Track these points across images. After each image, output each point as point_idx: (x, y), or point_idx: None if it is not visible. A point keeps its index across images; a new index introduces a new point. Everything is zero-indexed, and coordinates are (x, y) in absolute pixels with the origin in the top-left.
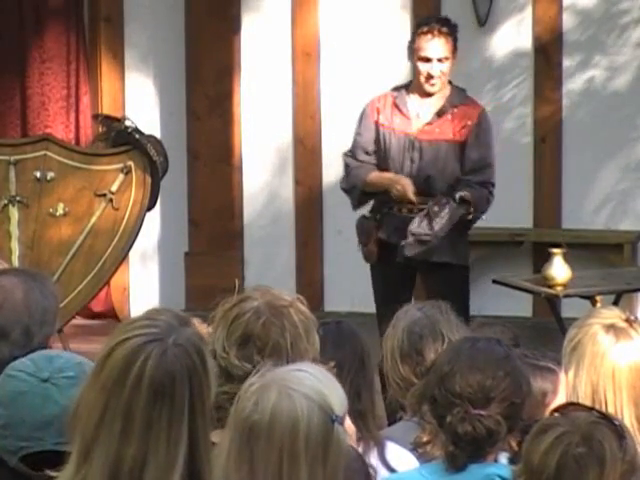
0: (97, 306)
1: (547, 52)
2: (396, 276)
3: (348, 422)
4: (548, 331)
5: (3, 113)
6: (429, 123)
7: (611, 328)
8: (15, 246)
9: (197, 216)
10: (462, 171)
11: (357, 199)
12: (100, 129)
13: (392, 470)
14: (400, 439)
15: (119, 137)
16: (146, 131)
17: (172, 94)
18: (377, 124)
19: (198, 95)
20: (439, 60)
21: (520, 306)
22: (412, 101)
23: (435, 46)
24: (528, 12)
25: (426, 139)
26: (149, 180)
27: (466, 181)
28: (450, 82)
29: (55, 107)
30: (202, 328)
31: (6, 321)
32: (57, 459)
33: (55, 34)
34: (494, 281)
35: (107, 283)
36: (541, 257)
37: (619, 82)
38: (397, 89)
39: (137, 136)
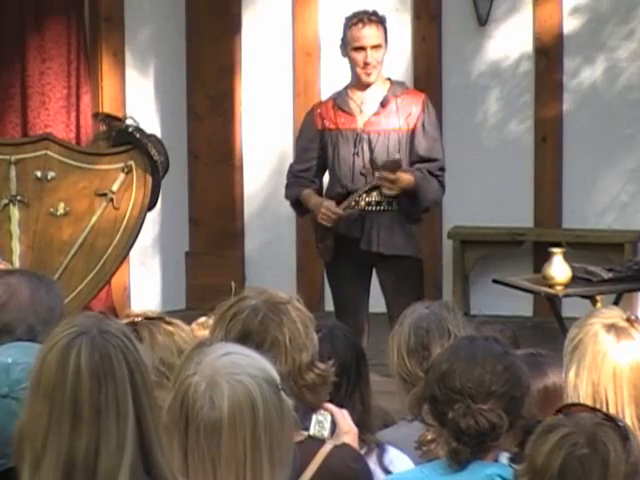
0: (97, 305)
1: (548, 52)
2: (356, 272)
3: (350, 423)
4: (548, 331)
5: (3, 112)
6: (375, 114)
7: (612, 328)
8: (16, 245)
9: (198, 216)
10: (411, 160)
11: (299, 211)
12: (100, 128)
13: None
14: (398, 440)
15: (120, 136)
16: (146, 131)
17: (172, 94)
18: (323, 131)
19: (198, 95)
20: (372, 47)
21: (521, 306)
22: (353, 98)
23: (367, 34)
24: (529, 12)
25: (374, 130)
26: (150, 179)
27: (417, 169)
28: (389, 79)
29: (55, 106)
30: (183, 330)
31: (11, 317)
32: None
33: (55, 33)
34: (494, 281)
35: (108, 282)
36: (541, 257)
37: (620, 82)
38: (336, 93)
39: (138, 135)
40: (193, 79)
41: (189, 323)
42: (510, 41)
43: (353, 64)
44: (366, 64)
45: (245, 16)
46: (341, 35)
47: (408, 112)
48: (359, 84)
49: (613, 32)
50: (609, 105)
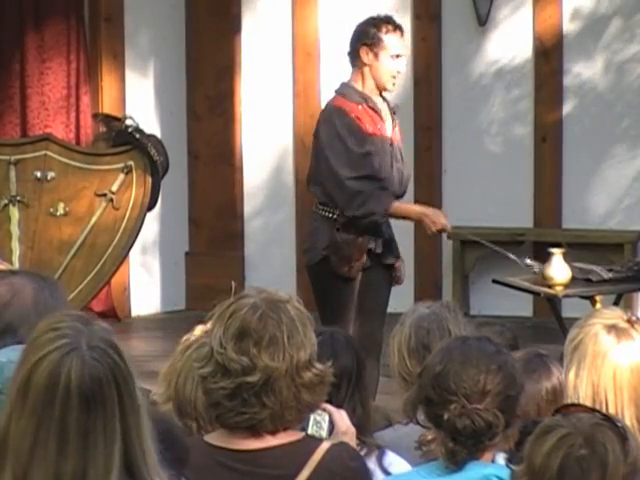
0: (98, 306)
1: (547, 51)
2: (355, 282)
3: (348, 423)
4: (548, 331)
5: (3, 113)
6: (394, 124)
7: (613, 328)
8: (16, 246)
9: (197, 216)
10: None
11: (377, 221)
12: (100, 128)
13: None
14: (397, 441)
15: (120, 136)
16: (146, 131)
17: (172, 94)
18: (368, 135)
19: (198, 95)
20: (403, 57)
21: (520, 306)
22: (377, 103)
23: (404, 44)
24: (528, 12)
25: (396, 139)
26: (149, 180)
27: None
28: None
29: (55, 107)
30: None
31: (14, 317)
32: None
33: (55, 34)
34: (494, 281)
35: (108, 282)
36: (541, 257)
37: (620, 82)
38: (352, 95)
39: (138, 135)
40: (193, 79)
41: (189, 323)
42: (510, 41)
43: (384, 70)
44: (399, 73)
45: (245, 16)
46: (366, 38)
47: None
48: (380, 91)
49: (613, 32)
50: (609, 105)
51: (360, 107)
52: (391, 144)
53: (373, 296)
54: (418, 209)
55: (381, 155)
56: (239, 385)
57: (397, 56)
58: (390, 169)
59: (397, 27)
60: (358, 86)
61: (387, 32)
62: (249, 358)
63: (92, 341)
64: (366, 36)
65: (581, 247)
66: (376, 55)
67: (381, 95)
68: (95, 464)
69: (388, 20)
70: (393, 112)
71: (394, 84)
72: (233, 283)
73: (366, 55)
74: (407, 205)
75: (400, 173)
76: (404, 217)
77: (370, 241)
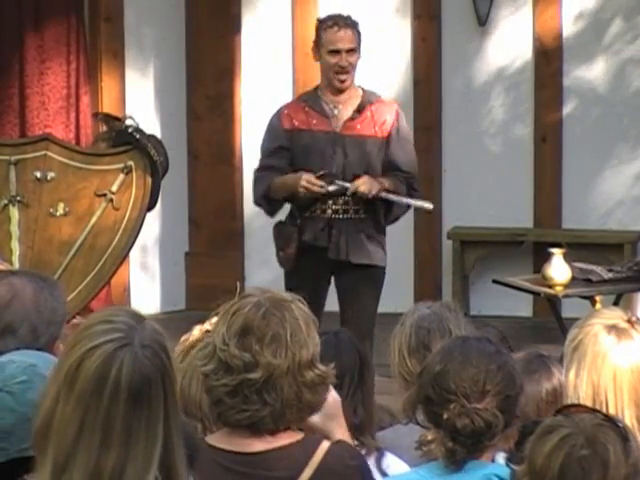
0: (97, 306)
1: (547, 51)
2: (316, 279)
3: (344, 427)
4: (548, 331)
5: (2, 113)
6: (351, 119)
7: (613, 329)
8: (15, 246)
9: (197, 216)
10: (387, 168)
11: (269, 208)
12: (100, 128)
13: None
14: (397, 441)
15: (120, 136)
16: (146, 131)
17: (172, 94)
18: (291, 130)
19: (198, 95)
20: (347, 51)
21: (520, 306)
22: (326, 101)
23: (343, 37)
24: (528, 12)
25: (349, 135)
26: (149, 180)
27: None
28: (360, 86)
29: (55, 107)
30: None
31: (14, 317)
32: (24, 464)
33: (55, 34)
34: (494, 281)
35: (107, 283)
36: (541, 257)
37: (619, 82)
38: (304, 95)
39: (138, 136)
40: (193, 79)
41: (189, 323)
42: (510, 41)
43: (326, 67)
44: (341, 67)
45: (245, 16)
46: (314, 38)
47: (382, 120)
48: (332, 88)
49: (613, 34)
50: (608, 105)
51: (303, 104)
52: (335, 139)
53: (353, 304)
54: (292, 179)
55: (305, 150)
56: (241, 382)
57: (335, 51)
58: (325, 162)
59: (336, 23)
60: (320, 86)
61: (325, 29)
62: (251, 355)
63: (145, 340)
64: (315, 38)
65: (581, 247)
66: (318, 53)
67: (341, 92)
68: (135, 462)
69: (331, 16)
70: (358, 110)
71: (343, 79)
72: (237, 283)
73: (315, 55)
74: (282, 178)
75: (344, 167)
76: (287, 193)
77: (306, 232)
